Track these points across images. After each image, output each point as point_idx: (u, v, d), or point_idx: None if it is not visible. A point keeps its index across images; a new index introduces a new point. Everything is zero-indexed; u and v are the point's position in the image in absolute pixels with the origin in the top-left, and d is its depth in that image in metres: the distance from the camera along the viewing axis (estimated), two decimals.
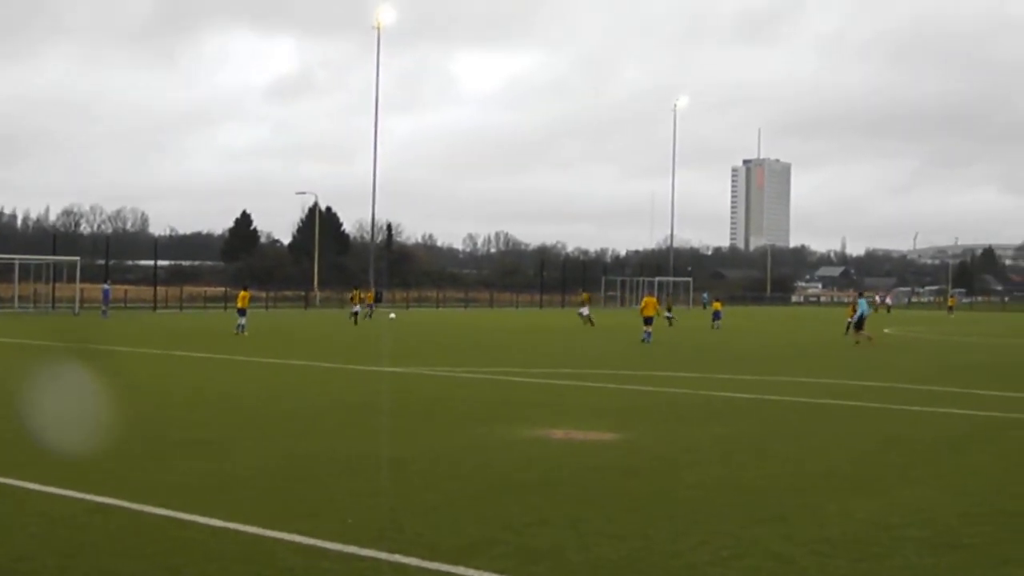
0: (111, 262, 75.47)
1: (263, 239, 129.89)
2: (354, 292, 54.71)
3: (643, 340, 37.35)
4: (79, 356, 27.76)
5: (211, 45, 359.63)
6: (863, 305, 39.68)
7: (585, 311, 52.07)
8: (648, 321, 38.33)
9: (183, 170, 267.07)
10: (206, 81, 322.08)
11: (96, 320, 50.43)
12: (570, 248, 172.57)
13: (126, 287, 74.66)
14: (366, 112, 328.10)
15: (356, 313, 52.10)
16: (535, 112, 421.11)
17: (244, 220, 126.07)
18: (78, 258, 61.69)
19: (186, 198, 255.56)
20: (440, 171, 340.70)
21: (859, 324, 39.12)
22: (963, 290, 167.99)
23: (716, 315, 53.28)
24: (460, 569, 7.27)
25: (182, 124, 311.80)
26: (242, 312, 40.41)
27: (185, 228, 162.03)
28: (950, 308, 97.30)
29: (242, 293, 42.18)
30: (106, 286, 58.02)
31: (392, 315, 57.35)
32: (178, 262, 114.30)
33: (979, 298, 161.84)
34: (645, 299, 41.22)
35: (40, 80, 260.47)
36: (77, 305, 58.84)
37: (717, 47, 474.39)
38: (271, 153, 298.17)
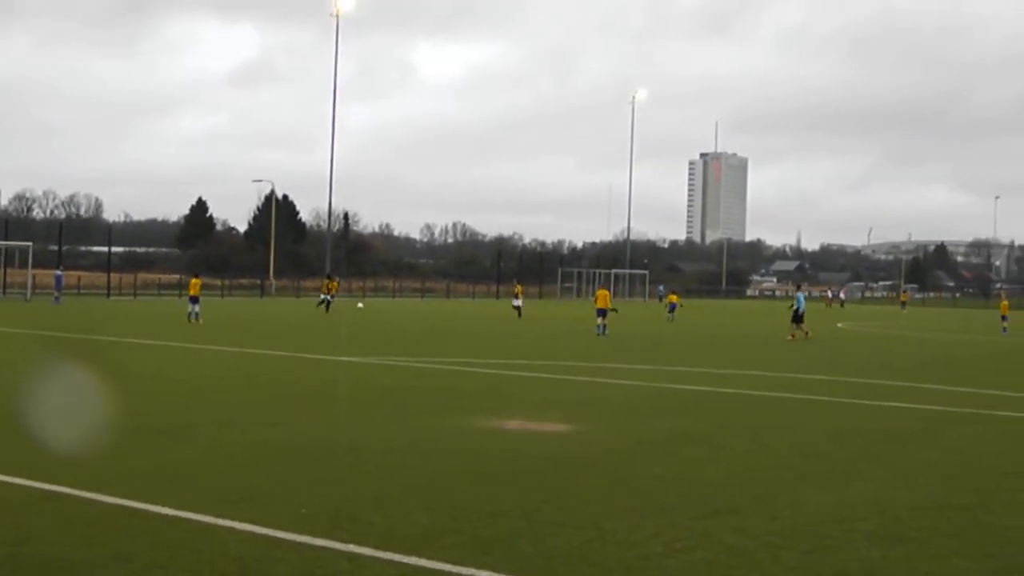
0: (64, 248, 74.75)
1: (219, 226, 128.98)
2: (325, 281, 54.96)
3: (597, 333, 37.43)
4: (31, 343, 27.49)
5: (173, 31, 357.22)
6: (800, 299, 39.72)
7: (518, 302, 52.32)
8: (601, 313, 38.29)
9: (140, 156, 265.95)
10: (167, 67, 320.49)
11: (49, 306, 49.91)
12: (527, 239, 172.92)
13: (79, 273, 73.89)
14: (327, 100, 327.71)
15: (327, 301, 51.91)
16: (495, 103, 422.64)
17: (200, 207, 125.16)
18: (30, 243, 61.03)
19: (142, 185, 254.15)
20: (399, 160, 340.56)
21: (798, 318, 38.94)
22: (916, 286, 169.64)
23: (672, 307, 53.67)
24: (413, 559, 7.27)
25: (141, 110, 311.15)
26: (195, 300, 39.96)
27: (140, 215, 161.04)
28: (903, 303, 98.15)
29: (194, 280, 41.38)
30: (58, 272, 57.44)
31: (360, 304, 57.55)
32: (132, 249, 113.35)
33: (931, 294, 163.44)
34: (598, 291, 41.33)
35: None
36: (29, 291, 58.18)
37: (677, 41, 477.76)
38: (230, 141, 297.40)
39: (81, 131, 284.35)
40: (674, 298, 55.66)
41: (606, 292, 40.55)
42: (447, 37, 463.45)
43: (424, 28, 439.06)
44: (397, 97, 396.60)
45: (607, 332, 37.31)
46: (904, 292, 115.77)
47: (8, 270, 61.15)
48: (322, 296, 52.94)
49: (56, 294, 54.98)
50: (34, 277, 60.07)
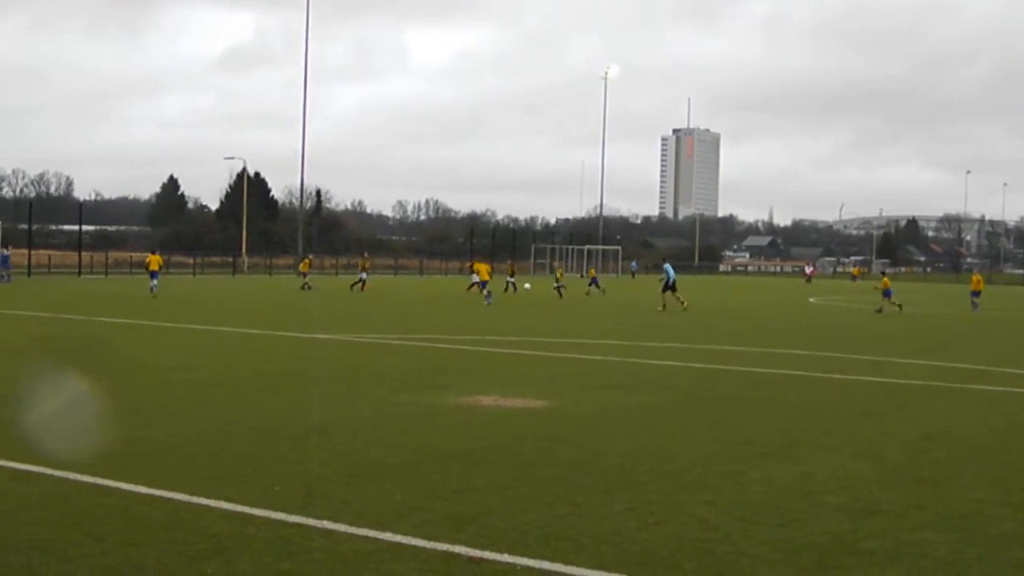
0: (35, 227, 74.09)
1: (191, 204, 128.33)
2: (559, 268, 55.42)
3: (486, 303, 40.71)
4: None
5: (171, 18, 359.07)
6: (669, 271, 40.82)
7: (364, 276, 52.55)
8: (483, 285, 43.10)
9: (117, 137, 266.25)
10: (159, 53, 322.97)
11: (21, 284, 49.53)
12: (500, 216, 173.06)
13: (50, 252, 73.34)
14: (315, 82, 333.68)
15: (560, 287, 52.16)
16: (478, 86, 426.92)
17: (171, 185, 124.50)
18: None
19: (115, 164, 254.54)
20: (379, 140, 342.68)
21: (670, 287, 40.18)
22: (887, 260, 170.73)
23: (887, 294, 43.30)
24: (387, 535, 7.30)
25: (124, 93, 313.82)
26: (153, 275, 43.32)
27: (112, 194, 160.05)
28: (853, 277, 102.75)
29: (151, 257, 45.21)
30: (4, 252, 56.12)
31: (527, 285, 57.76)
32: (104, 227, 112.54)
33: (902, 268, 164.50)
34: (477, 264, 46.79)
35: None
36: None
37: (658, 27, 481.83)
38: (211, 122, 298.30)
39: (62, 114, 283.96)
40: (857, 271, 51.01)
41: (486, 266, 45.45)
42: (439, 21, 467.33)
43: (417, 13, 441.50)
44: (385, 80, 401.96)
45: (490, 302, 40.97)
46: (855, 267, 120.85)
47: None
48: (556, 283, 52.67)
49: (3, 273, 53.96)
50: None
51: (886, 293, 42.36)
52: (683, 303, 39.03)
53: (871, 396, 16.24)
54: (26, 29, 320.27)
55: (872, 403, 15.39)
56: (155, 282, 42.98)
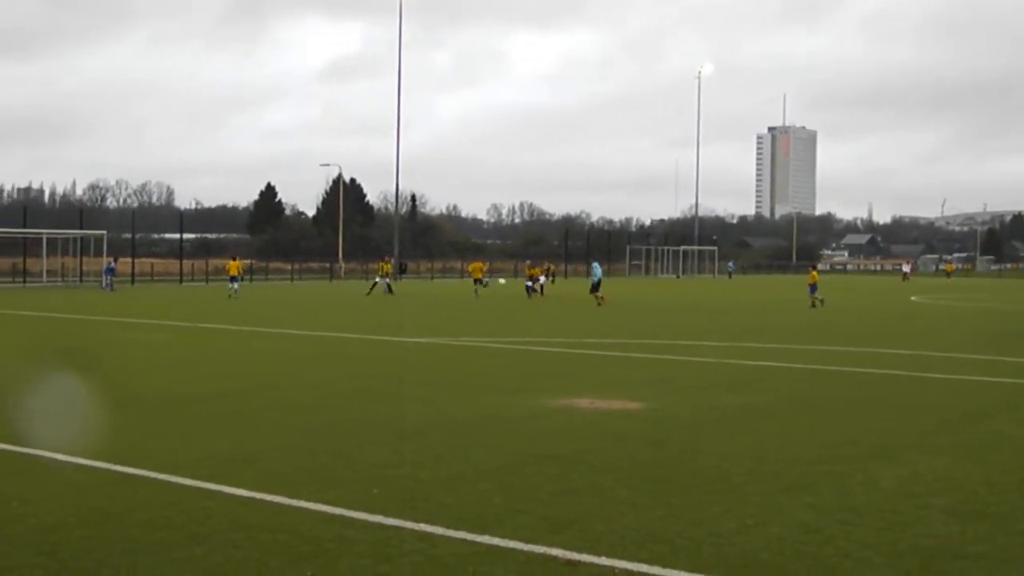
0: (138, 236, 75.73)
1: (288, 211, 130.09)
2: (381, 263, 54.76)
3: (475, 295, 46.65)
4: (103, 328, 27.93)
5: (285, 31, 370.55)
6: (596, 270, 43.72)
7: (387, 280, 51.71)
8: (478, 281, 49.45)
9: (219, 147, 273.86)
10: (271, 65, 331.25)
11: (125, 293, 50.64)
12: (595, 218, 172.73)
13: (152, 260, 74.98)
14: (418, 90, 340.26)
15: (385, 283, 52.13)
16: (577, 88, 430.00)
17: (269, 193, 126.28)
18: (105, 232, 61.92)
19: (216, 173, 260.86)
20: (477, 146, 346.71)
21: (595, 287, 42.83)
22: (992, 257, 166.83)
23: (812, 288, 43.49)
24: (485, 538, 7.30)
25: (236, 105, 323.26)
26: (234, 279, 47.64)
27: (211, 202, 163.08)
28: (948, 274, 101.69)
29: (232, 263, 49.41)
30: (110, 263, 57.17)
31: (502, 280, 63.70)
32: (204, 235, 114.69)
33: (1007, 265, 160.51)
34: (473, 264, 53.60)
35: (107, 63, 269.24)
36: (104, 279, 58.92)
37: (761, 26, 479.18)
38: (313, 131, 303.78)
39: (168, 127, 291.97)
40: (815, 276, 44.15)
41: (480, 264, 52.21)
42: (543, 26, 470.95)
43: (521, 18, 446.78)
44: (486, 85, 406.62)
45: (478, 296, 46.56)
46: (949, 263, 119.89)
47: (84, 259, 61.96)
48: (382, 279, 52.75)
49: (106, 281, 55.07)
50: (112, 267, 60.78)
51: (812, 288, 42.88)
52: (599, 302, 41.07)
53: (977, 396, 15.87)
54: (145, 45, 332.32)
55: (978, 403, 15.04)
56: (235, 286, 47.17)
